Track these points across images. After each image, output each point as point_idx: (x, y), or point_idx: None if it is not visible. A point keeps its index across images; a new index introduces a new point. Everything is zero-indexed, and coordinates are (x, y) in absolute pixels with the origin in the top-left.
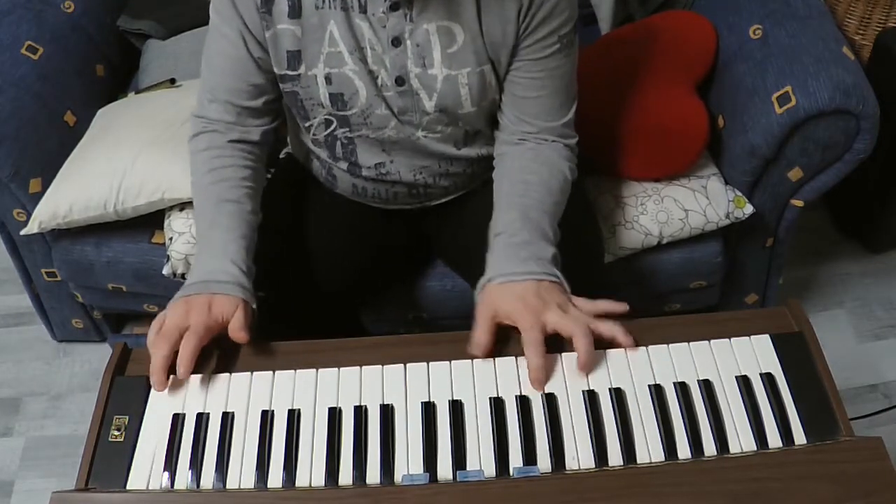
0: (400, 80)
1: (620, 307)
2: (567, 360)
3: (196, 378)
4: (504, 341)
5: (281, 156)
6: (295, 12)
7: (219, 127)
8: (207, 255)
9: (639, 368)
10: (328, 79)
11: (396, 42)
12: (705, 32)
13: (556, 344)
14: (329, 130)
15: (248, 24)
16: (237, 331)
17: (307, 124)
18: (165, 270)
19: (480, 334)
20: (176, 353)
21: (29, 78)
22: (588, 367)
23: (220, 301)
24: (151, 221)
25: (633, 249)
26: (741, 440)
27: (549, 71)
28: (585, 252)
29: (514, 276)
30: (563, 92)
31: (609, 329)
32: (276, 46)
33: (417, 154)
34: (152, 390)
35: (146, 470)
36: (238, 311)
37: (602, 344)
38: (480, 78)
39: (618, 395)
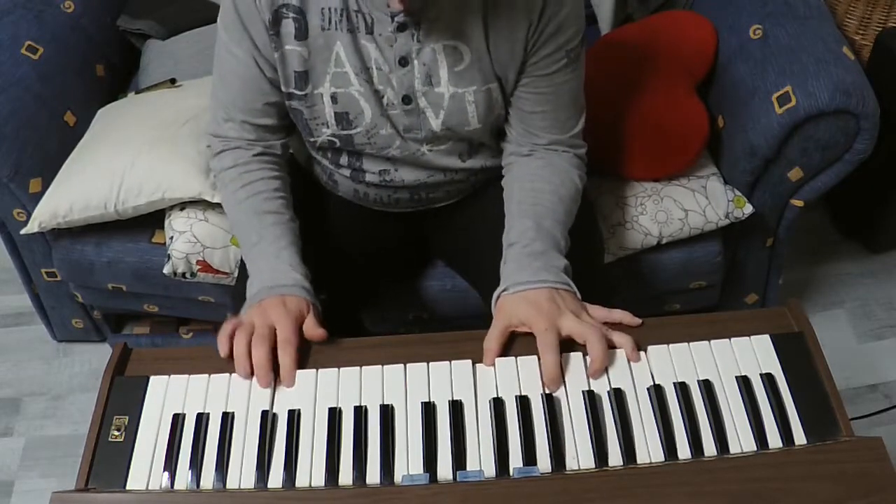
0: (407, 99)
1: (634, 320)
2: (567, 361)
3: (196, 378)
4: (511, 342)
5: None
6: (301, 34)
7: (241, 144)
8: (264, 266)
9: (639, 368)
10: (334, 98)
11: (404, 62)
12: (705, 32)
13: (567, 349)
14: (333, 147)
15: (259, 46)
16: (314, 329)
17: (311, 140)
18: (166, 269)
19: (490, 341)
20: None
21: (29, 78)
22: (600, 373)
23: (293, 300)
24: (151, 221)
25: (632, 249)
26: (741, 440)
27: (557, 86)
28: (585, 252)
29: (528, 284)
30: (572, 105)
31: (620, 340)
32: (284, 66)
33: (422, 166)
34: (150, 390)
35: (146, 470)
36: (310, 311)
37: None
38: (487, 96)
39: (618, 396)
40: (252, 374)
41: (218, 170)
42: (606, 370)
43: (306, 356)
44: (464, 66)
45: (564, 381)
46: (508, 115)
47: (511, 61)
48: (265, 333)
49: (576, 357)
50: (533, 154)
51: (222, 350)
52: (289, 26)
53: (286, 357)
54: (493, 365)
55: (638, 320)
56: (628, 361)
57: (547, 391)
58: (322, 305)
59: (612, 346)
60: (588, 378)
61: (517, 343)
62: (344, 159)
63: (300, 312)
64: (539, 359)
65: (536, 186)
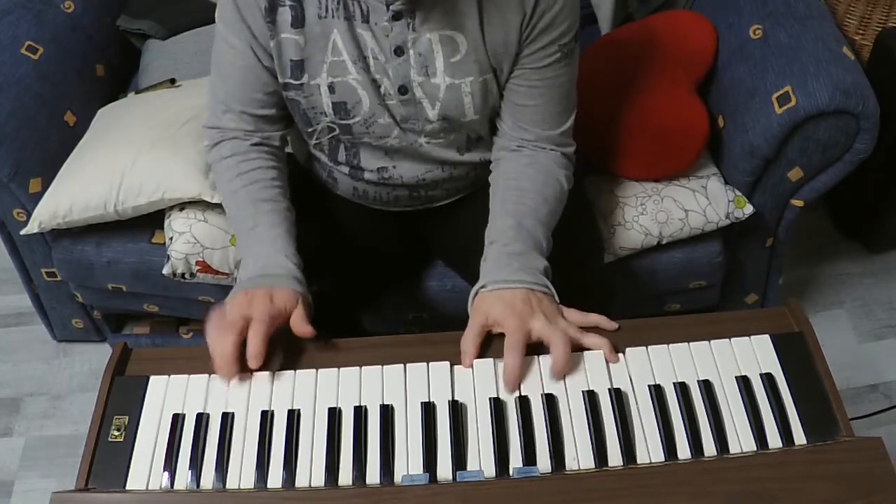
0: (403, 89)
1: (611, 324)
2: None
3: (196, 378)
4: (504, 343)
5: None
6: (298, 22)
7: (239, 134)
8: (258, 251)
9: (639, 368)
10: (331, 88)
11: (399, 51)
12: (705, 32)
13: (545, 352)
14: (331, 135)
15: (256, 35)
16: (302, 325)
17: (310, 129)
18: (165, 270)
19: (466, 342)
20: (242, 343)
21: (29, 78)
22: (560, 376)
23: (281, 293)
24: (151, 221)
25: (632, 249)
26: (741, 440)
27: (549, 80)
28: (585, 252)
29: (505, 283)
30: (563, 101)
31: (596, 342)
32: (280, 55)
33: (420, 159)
34: (150, 390)
35: (146, 470)
36: (299, 304)
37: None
38: (483, 87)
39: (618, 395)
40: (235, 375)
41: (216, 160)
42: (609, 370)
43: (307, 356)
44: (460, 57)
45: (565, 382)
46: (500, 108)
47: (505, 53)
48: (236, 325)
49: (573, 357)
50: (520, 150)
51: (210, 340)
52: (285, 14)
53: (255, 337)
54: (472, 367)
55: (614, 325)
56: (625, 355)
57: (508, 392)
58: (313, 298)
59: (588, 349)
60: (542, 381)
61: None
62: (342, 156)
63: (285, 308)
64: (546, 357)
65: (521, 185)
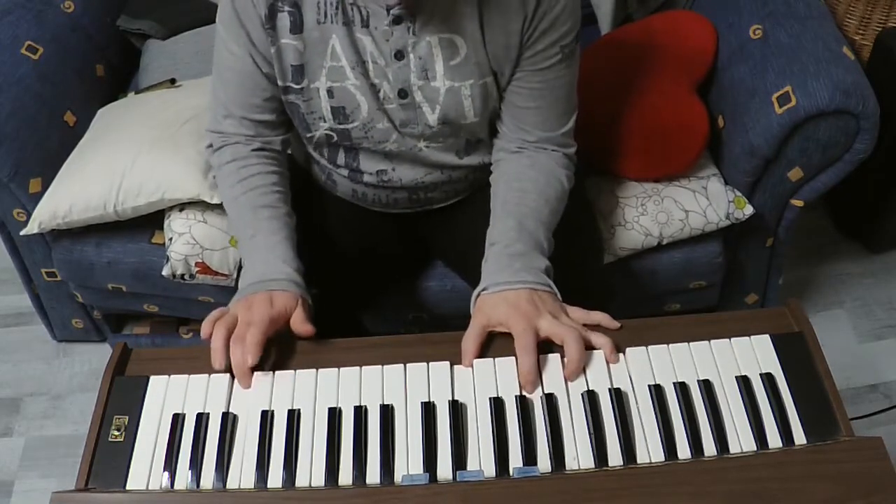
0: (403, 93)
1: (613, 323)
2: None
3: (196, 378)
4: (504, 342)
5: None
6: (297, 28)
7: (240, 139)
8: (258, 258)
9: (639, 368)
10: (330, 92)
11: (399, 55)
12: (705, 32)
13: (548, 350)
14: (330, 143)
15: (255, 42)
16: (302, 324)
17: (308, 135)
18: (165, 271)
19: (467, 342)
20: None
21: (29, 78)
22: (576, 374)
23: (281, 296)
24: (151, 222)
25: (632, 250)
26: (741, 440)
27: (550, 82)
28: (585, 252)
29: (507, 285)
30: (563, 102)
31: (599, 341)
32: (281, 61)
33: (419, 163)
34: (150, 390)
35: (146, 470)
36: (299, 306)
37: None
38: (483, 90)
39: (618, 395)
40: (225, 367)
41: (217, 165)
42: (609, 370)
43: (307, 356)
44: (459, 60)
45: (565, 382)
46: (500, 110)
47: (506, 56)
48: (231, 321)
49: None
50: (521, 152)
51: (204, 332)
52: (284, 20)
53: (250, 336)
54: (472, 366)
55: (617, 323)
56: (625, 355)
57: (524, 393)
58: (313, 300)
59: (590, 348)
60: (565, 380)
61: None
62: (341, 158)
63: (285, 310)
64: (547, 357)
65: (522, 186)
